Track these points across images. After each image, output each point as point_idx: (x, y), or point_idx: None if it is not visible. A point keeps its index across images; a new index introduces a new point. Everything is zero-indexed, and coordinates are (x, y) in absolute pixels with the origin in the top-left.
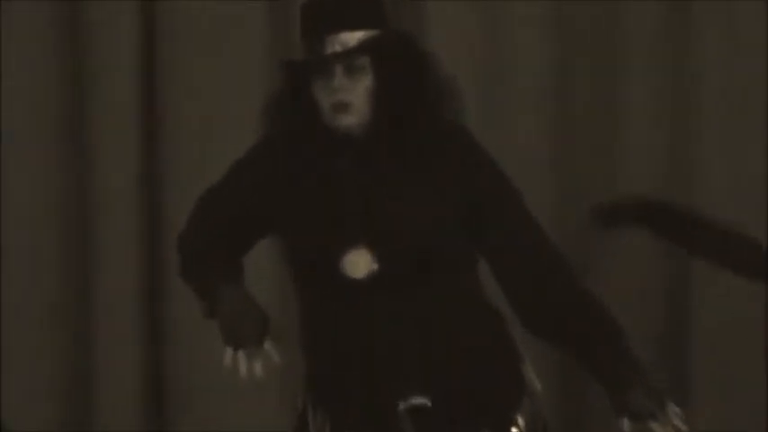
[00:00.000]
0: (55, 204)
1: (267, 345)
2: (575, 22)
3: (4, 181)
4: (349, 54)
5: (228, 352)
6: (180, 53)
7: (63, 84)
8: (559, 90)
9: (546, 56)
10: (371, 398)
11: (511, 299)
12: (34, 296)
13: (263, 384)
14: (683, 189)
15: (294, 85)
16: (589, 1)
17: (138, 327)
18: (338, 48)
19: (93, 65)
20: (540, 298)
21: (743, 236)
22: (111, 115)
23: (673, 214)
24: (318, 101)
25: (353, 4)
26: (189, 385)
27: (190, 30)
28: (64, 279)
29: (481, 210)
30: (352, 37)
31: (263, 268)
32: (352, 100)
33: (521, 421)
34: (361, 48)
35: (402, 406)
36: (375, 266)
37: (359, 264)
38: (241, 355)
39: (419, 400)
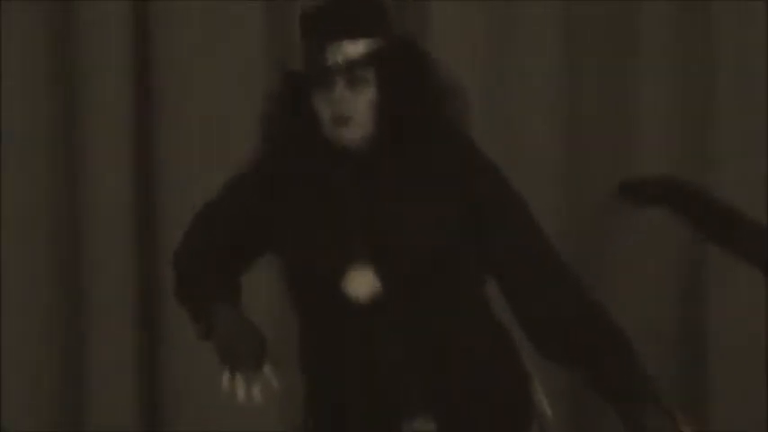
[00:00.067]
0: (48, 205)
1: (266, 369)
2: (584, 23)
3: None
4: (351, 65)
5: (226, 374)
6: (175, 53)
7: (55, 84)
8: (570, 90)
9: (555, 56)
10: (375, 422)
11: (516, 312)
12: (28, 298)
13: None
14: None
15: (293, 96)
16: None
17: (134, 328)
18: (340, 58)
19: (85, 65)
20: (546, 310)
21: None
22: (105, 116)
23: (701, 198)
24: (318, 112)
25: (356, 12)
26: (185, 387)
27: (185, 30)
28: (57, 280)
29: (484, 219)
30: (355, 46)
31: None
32: (353, 113)
33: None
34: (365, 60)
35: (406, 430)
36: (378, 286)
37: (361, 283)
38: (239, 378)
39: (424, 425)
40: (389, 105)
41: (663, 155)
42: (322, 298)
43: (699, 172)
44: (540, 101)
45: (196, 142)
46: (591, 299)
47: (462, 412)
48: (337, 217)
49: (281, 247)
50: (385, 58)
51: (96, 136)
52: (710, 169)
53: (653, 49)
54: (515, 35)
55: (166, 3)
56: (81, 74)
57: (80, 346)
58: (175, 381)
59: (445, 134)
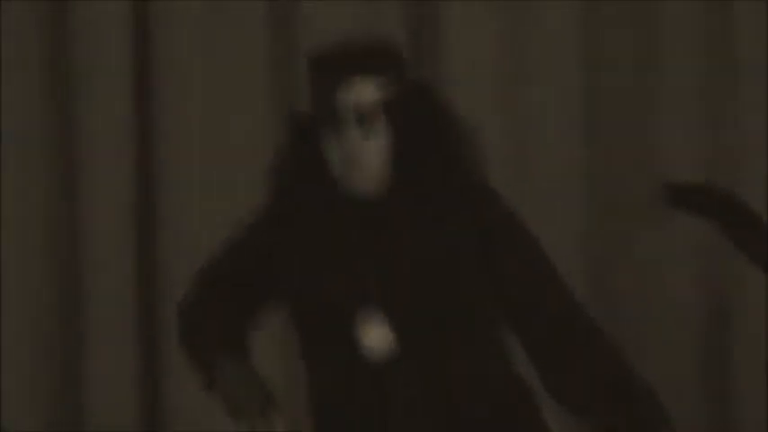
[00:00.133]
0: (47, 205)
1: (272, 419)
2: (603, 23)
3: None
4: (363, 107)
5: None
6: (175, 53)
7: (54, 84)
8: (589, 88)
9: (575, 56)
10: None
11: (530, 356)
12: (28, 298)
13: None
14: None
15: (302, 139)
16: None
17: (134, 328)
18: (352, 99)
19: (84, 65)
20: (562, 354)
21: None
22: (104, 116)
23: (738, 210)
24: (328, 156)
25: (368, 51)
26: (185, 387)
27: (185, 29)
28: (57, 280)
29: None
30: (366, 86)
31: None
32: (365, 159)
33: None
34: (377, 101)
35: None
36: (392, 338)
37: (376, 338)
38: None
39: None
40: (402, 149)
41: (685, 154)
42: (332, 350)
43: (724, 177)
44: (559, 100)
45: (195, 142)
46: (604, 342)
47: None
48: (349, 263)
49: (291, 299)
50: (398, 100)
51: (96, 136)
52: (736, 172)
53: (674, 48)
54: (534, 37)
55: (166, 2)
56: (80, 74)
57: (80, 346)
58: (175, 381)
59: (460, 179)
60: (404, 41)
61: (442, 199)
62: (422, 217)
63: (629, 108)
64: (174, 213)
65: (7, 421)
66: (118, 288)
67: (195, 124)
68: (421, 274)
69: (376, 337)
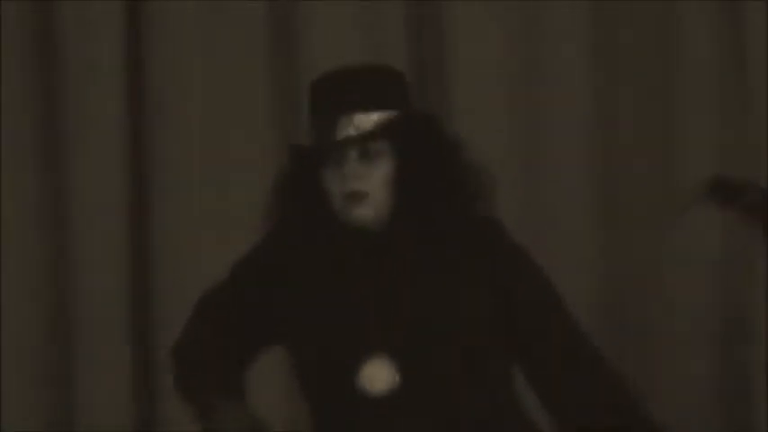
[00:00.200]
0: (44, 205)
1: None
2: (615, 23)
3: None
4: (365, 138)
5: None
6: (169, 53)
7: (46, 84)
8: (602, 89)
9: (585, 49)
10: None
11: (534, 384)
12: (28, 298)
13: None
14: None
15: (302, 173)
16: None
17: (130, 329)
18: (353, 130)
19: (77, 65)
20: (566, 382)
21: None
22: (97, 116)
23: None
24: (329, 190)
25: (370, 82)
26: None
27: (178, 29)
28: (57, 280)
29: (509, 302)
30: (369, 119)
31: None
32: (367, 189)
33: None
34: (379, 131)
35: None
36: (397, 380)
37: (379, 377)
38: None
39: None
40: (406, 182)
41: (697, 154)
42: (335, 393)
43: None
44: (570, 101)
45: (191, 143)
46: (608, 371)
47: None
48: (351, 303)
49: (290, 337)
50: (401, 129)
51: (89, 136)
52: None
53: (685, 47)
54: (539, 34)
55: (160, 2)
56: (74, 73)
57: (79, 346)
58: (170, 381)
59: (466, 213)
60: (403, 40)
61: (444, 229)
62: (424, 248)
63: (640, 108)
64: (167, 214)
65: (7, 421)
66: (114, 289)
67: (190, 124)
68: (423, 307)
69: (379, 375)
